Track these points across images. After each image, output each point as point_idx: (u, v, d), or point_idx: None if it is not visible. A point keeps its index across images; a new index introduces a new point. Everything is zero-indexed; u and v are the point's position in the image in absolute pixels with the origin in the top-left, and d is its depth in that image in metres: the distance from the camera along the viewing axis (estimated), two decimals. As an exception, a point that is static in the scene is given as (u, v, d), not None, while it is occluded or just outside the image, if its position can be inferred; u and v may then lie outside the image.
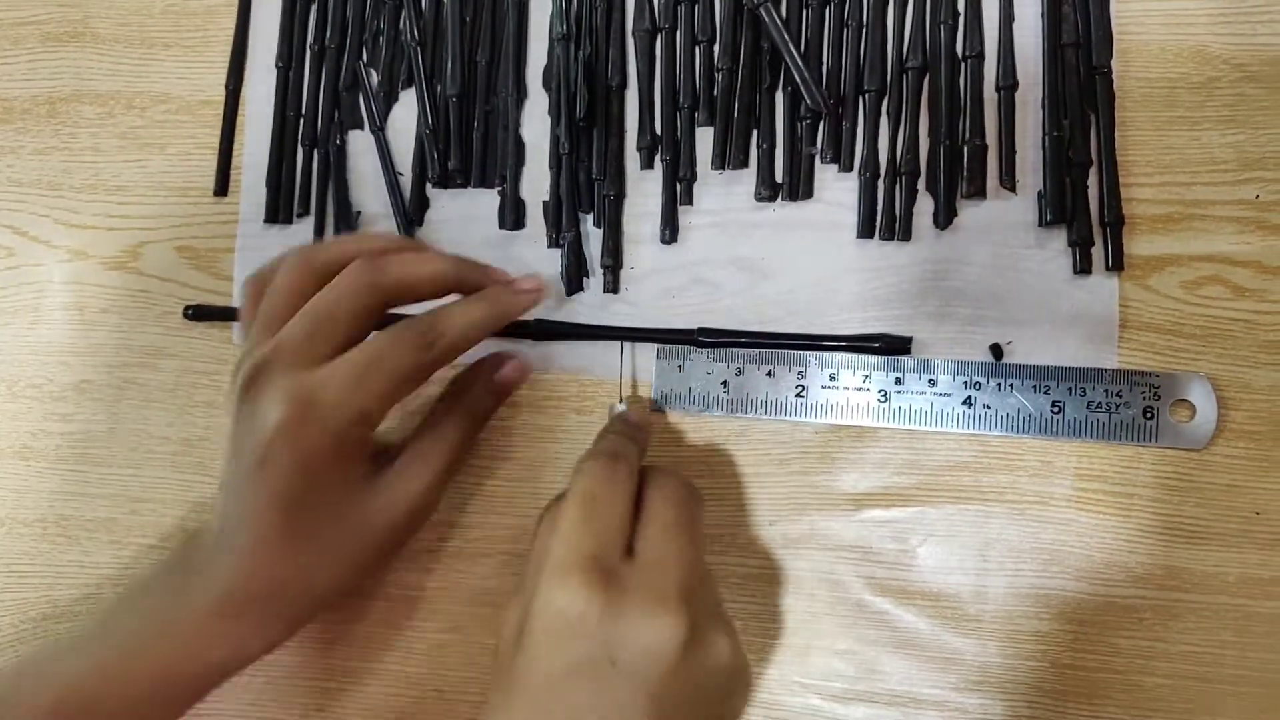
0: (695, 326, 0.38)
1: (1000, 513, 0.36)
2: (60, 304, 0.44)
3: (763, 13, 0.37)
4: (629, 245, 0.39)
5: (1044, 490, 0.36)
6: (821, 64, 0.38)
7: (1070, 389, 0.35)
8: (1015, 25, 0.37)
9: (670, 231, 0.39)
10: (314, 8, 0.43)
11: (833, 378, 0.37)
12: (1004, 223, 0.37)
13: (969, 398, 0.36)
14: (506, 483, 0.39)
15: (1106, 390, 0.35)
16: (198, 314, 0.42)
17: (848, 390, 0.37)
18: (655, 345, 0.38)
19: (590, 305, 0.39)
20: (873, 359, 0.37)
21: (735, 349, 0.38)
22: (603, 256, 0.39)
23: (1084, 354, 0.36)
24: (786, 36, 0.37)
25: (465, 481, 0.39)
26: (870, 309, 0.37)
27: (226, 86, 0.44)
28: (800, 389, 0.37)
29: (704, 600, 0.30)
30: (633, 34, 0.40)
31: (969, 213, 0.37)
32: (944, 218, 0.37)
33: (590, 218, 0.40)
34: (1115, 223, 0.36)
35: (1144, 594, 0.35)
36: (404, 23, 0.42)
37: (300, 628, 0.34)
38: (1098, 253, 0.36)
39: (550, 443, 0.39)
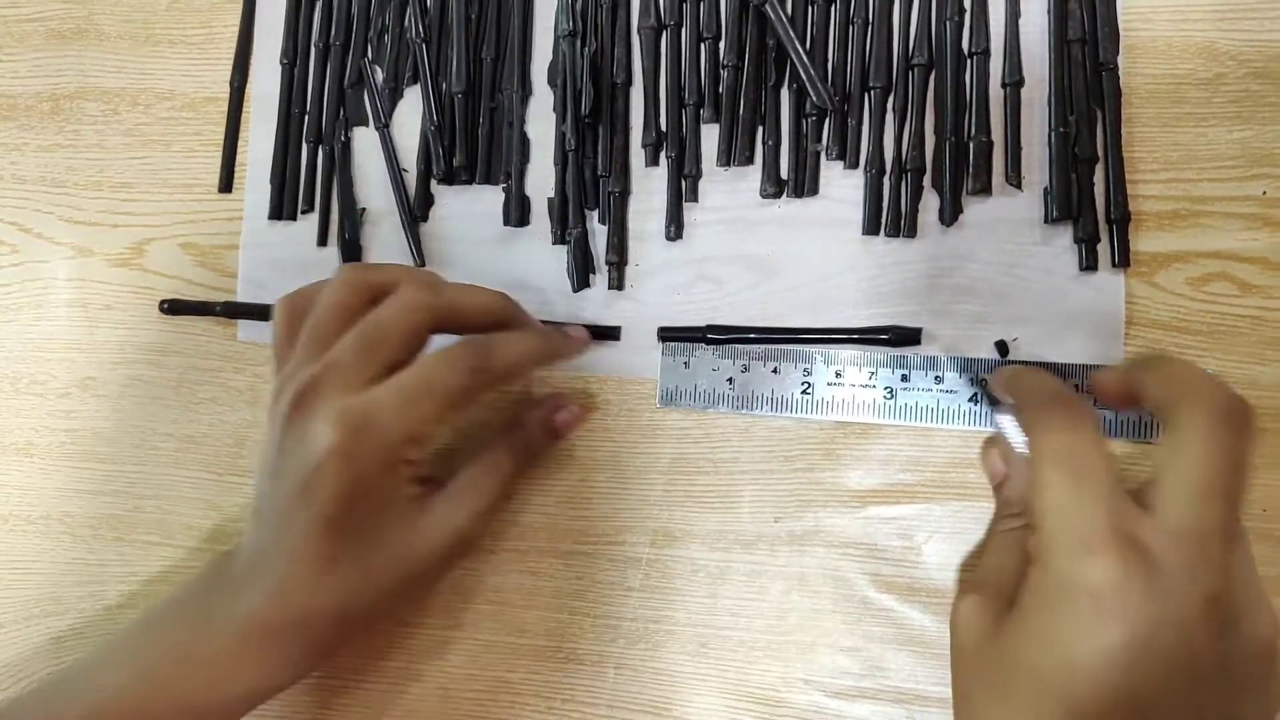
0: (703, 325, 0.38)
1: (1006, 510, 0.36)
2: (64, 301, 0.44)
3: (768, 9, 0.37)
4: (634, 242, 0.39)
5: (1050, 487, 0.35)
6: (827, 60, 0.38)
7: (1075, 387, 0.35)
8: (1021, 21, 0.37)
9: (675, 228, 0.39)
10: (319, 4, 0.43)
11: (839, 374, 0.37)
12: (1009, 219, 0.37)
13: (975, 394, 0.36)
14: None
15: None
16: (173, 308, 0.42)
17: (854, 387, 0.37)
18: (660, 343, 0.38)
19: (596, 302, 0.39)
20: (879, 355, 0.37)
21: (741, 345, 0.38)
22: (608, 253, 0.39)
23: (1090, 351, 0.36)
24: (792, 33, 0.37)
25: (470, 478, 0.39)
26: (875, 306, 0.37)
27: (231, 83, 0.44)
28: (806, 385, 0.37)
29: (1243, 571, 0.26)
30: (638, 30, 0.40)
31: (974, 209, 0.37)
32: (949, 214, 0.37)
33: (595, 215, 0.40)
34: (1121, 219, 0.36)
35: (1150, 591, 0.35)
36: (409, 19, 0.41)
37: (330, 658, 0.33)
38: (1104, 249, 0.36)
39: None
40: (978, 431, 0.36)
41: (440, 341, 0.33)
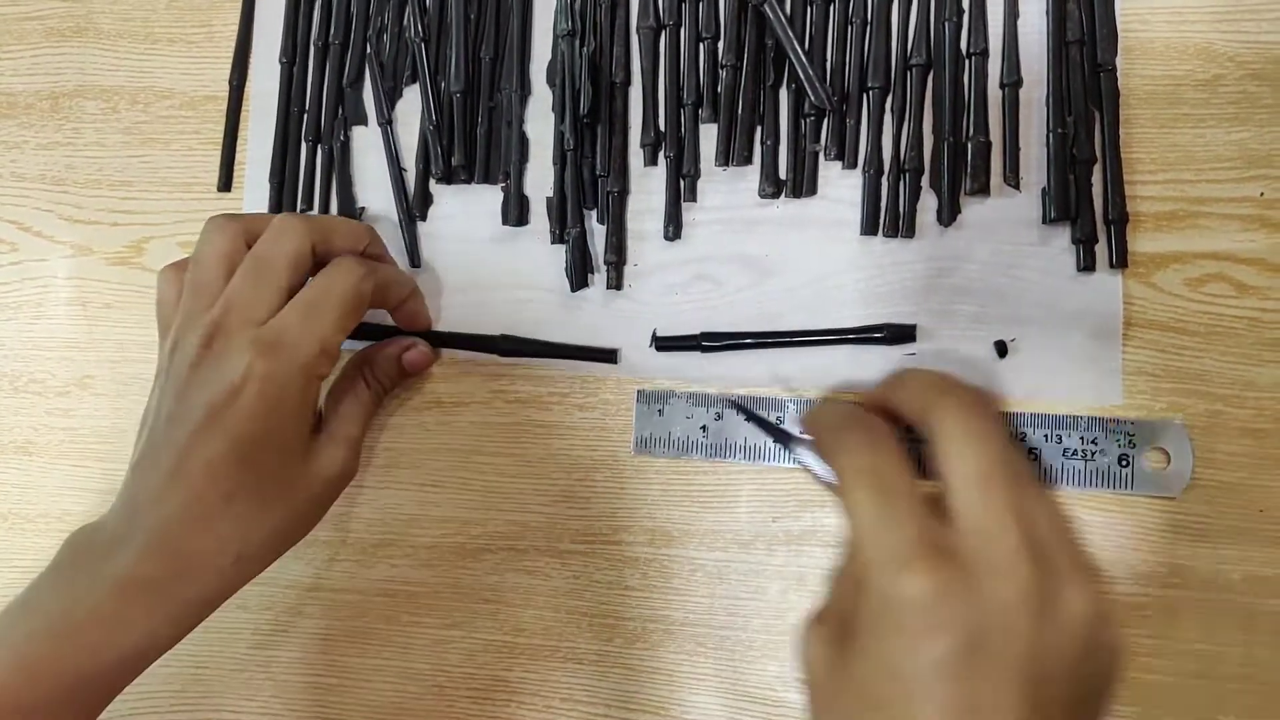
0: (698, 333, 0.38)
1: (1003, 510, 0.36)
2: (63, 299, 0.44)
3: (767, 9, 0.37)
4: (632, 242, 0.39)
5: (1047, 487, 0.35)
6: (825, 61, 0.38)
7: (1046, 435, 0.35)
8: (1020, 22, 0.37)
9: (674, 228, 0.39)
10: (318, 3, 0.43)
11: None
12: (1008, 220, 0.37)
13: None
14: (508, 479, 0.39)
15: (1082, 437, 0.35)
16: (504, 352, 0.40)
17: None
18: (641, 388, 0.38)
19: (594, 302, 0.39)
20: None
21: (712, 398, 0.37)
22: (606, 253, 0.39)
23: (1088, 352, 0.36)
24: (790, 33, 0.37)
25: (467, 478, 0.39)
26: (873, 306, 0.37)
27: (230, 82, 0.44)
28: (779, 418, 0.37)
29: (1048, 545, 0.26)
30: (637, 30, 0.40)
31: (973, 210, 0.37)
32: (948, 215, 0.37)
33: (594, 214, 0.40)
34: (1119, 220, 0.36)
35: (1147, 591, 0.35)
36: (408, 19, 0.42)
37: (216, 608, 0.33)
38: (1101, 250, 0.36)
39: (551, 439, 0.39)
40: None
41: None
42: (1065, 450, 0.35)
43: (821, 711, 0.27)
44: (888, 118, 0.38)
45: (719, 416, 0.37)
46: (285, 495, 0.33)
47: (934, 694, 0.24)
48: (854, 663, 0.26)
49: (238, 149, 0.43)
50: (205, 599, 0.32)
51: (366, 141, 0.42)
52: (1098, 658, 0.26)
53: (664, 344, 0.38)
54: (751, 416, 0.35)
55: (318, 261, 0.35)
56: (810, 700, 0.27)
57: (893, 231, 0.37)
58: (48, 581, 0.32)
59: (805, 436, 0.32)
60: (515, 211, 0.40)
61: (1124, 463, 0.35)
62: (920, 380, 0.29)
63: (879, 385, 0.31)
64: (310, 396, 0.33)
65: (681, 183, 0.39)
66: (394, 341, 0.39)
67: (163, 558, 0.31)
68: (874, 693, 0.25)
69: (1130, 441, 0.35)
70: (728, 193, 0.39)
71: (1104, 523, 0.35)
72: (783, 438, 0.34)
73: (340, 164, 0.42)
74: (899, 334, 0.37)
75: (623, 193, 0.39)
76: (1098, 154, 0.36)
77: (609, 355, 0.39)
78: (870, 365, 0.37)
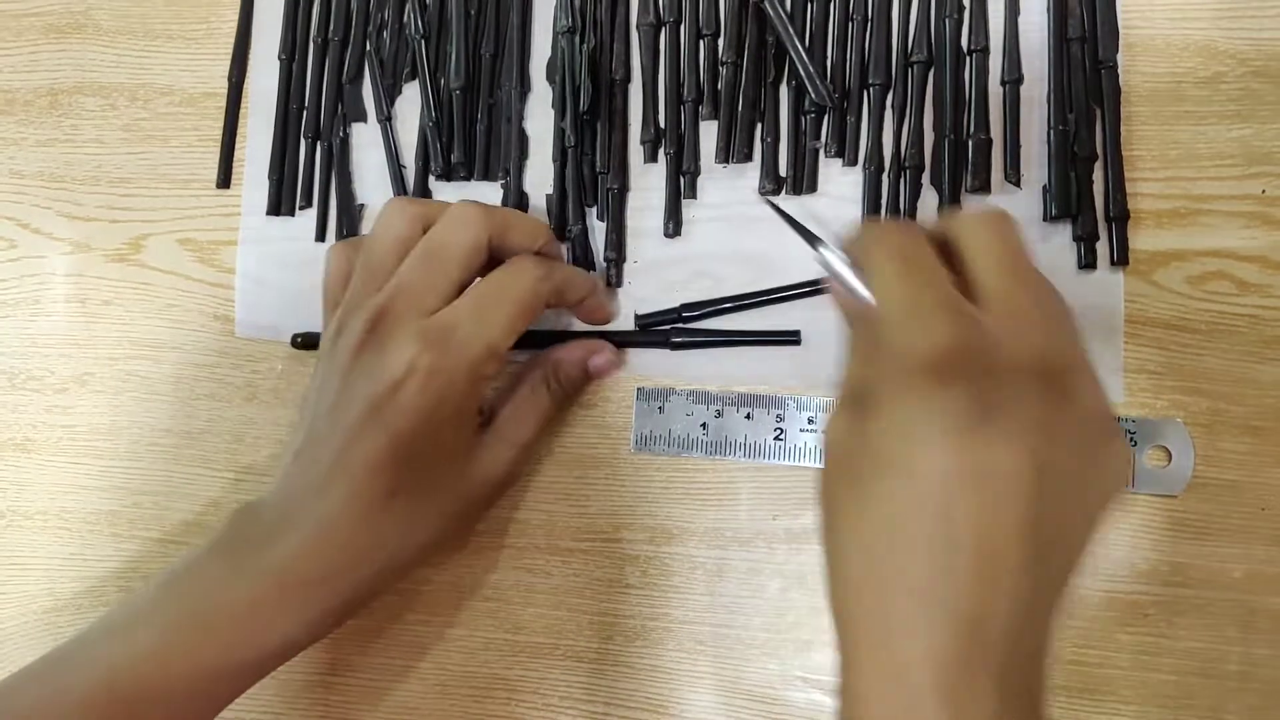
0: (689, 320, 0.38)
1: (1004, 508, 0.36)
2: (62, 296, 0.44)
3: (767, 6, 0.37)
4: (632, 239, 0.39)
5: (1048, 485, 0.35)
6: (826, 57, 0.38)
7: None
8: (1021, 19, 0.37)
9: (674, 225, 0.39)
10: (317, 1, 0.43)
11: (811, 420, 0.37)
12: (1009, 217, 0.37)
13: None
14: (509, 476, 0.39)
15: None
16: (305, 342, 0.40)
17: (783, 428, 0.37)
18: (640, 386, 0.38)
19: (593, 299, 0.39)
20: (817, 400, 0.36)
21: (712, 396, 0.37)
22: (606, 250, 0.39)
23: (1089, 350, 0.35)
24: (791, 30, 0.37)
25: (468, 475, 0.39)
26: (874, 303, 0.37)
27: (229, 79, 0.43)
28: (779, 431, 0.37)
29: (1068, 341, 0.26)
30: (637, 27, 0.40)
31: (973, 207, 0.37)
32: (948, 212, 0.37)
33: (594, 211, 0.40)
34: (1120, 217, 0.36)
35: (1148, 590, 0.35)
36: (408, 15, 0.41)
37: (374, 600, 0.32)
38: (1103, 248, 0.36)
39: (551, 437, 0.39)
40: None
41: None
42: None
43: (833, 482, 0.26)
44: (888, 115, 0.38)
45: (719, 414, 0.37)
46: (447, 495, 0.32)
47: (939, 454, 0.24)
48: (869, 426, 0.25)
49: (237, 146, 0.43)
50: (352, 600, 0.32)
51: (366, 138, 0.42)
52: (1101, 461, 0.25)
53: (645, 321, 0.38)
54: (782, 214, 0.32)
55: (493, 256, 0.33)
56: (828, 473, 0.27)
57: (893, 229, 0.37)
58: (206, 560, 0.31)
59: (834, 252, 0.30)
60: (515, 208, 0.40)
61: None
62: (950, 215, 0.29)
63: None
64: (474, 396, 0.32)
65: (681, 180, 0.39)
66: (580, 345, 0.37)
67: (324, 553, 0.30)
68: (887, 452, 0.24)
69: (1132, 440, 0.35)
70: (728, 190, 0.39)
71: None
72: (810, 239, 0.31)
73: (340, 161, 0.42)
74: None
75: (623, 190, 0.39)
76: (1099, 151, 0.36)
77: (792, 337, 0.38)
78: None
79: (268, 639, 0.30)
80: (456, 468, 0.32)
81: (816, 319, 0.37)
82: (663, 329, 0.38)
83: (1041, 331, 0.25)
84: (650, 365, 0.38)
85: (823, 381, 0.37)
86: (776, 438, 0.37)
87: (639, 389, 0.38)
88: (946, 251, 0.27)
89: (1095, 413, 0.25)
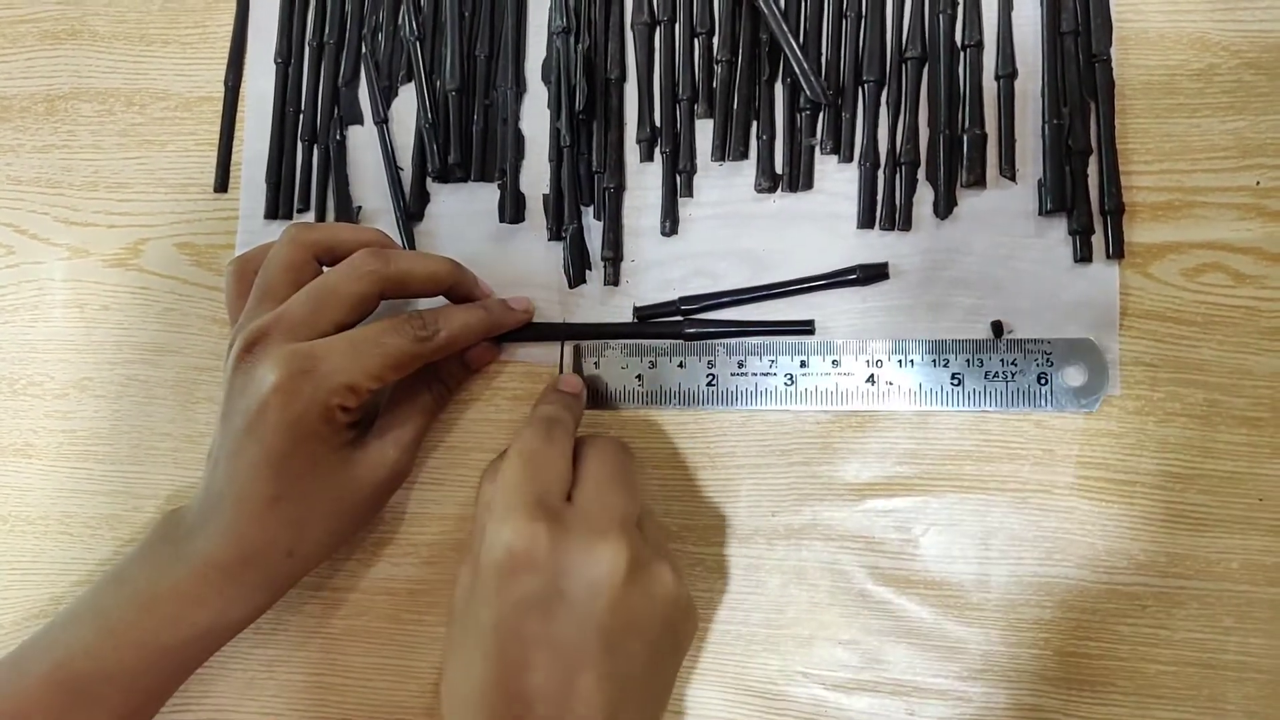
0: (688, 314, 0.38)
1: (1002, 501, 0.36)
2: (61, 301, 0.44)
3: (761, 4, 0.37)
4: (629, 238, 0.39)
5: (1046, 478, 0.36)
6: (820, 55, 0.38)
7: (968, 360, 0.36)
8: (1014, 14, 0.37)
9: (671, 224, 0.39)
10: (312, 3, 0.43)
11: (741, 365, 0.38)
12: (1004, 212, 0.37)
13: (871, 375, 0.37)
14: (509, 476, 0.39)
15: (1002, 360, 0.36)
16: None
17: (755, 376, 0.37)
18: (580, 342, 0.39)
19: (591, 298, 0.39)
20: (779, 344, 0.37)
21: (658, 338, 0.38)
22: (603, 249, 0.39)
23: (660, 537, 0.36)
24: (785, 27, 0.37)
25: (468, 475, 0.39)
26: (870, 299, 0.37)
27: (226, 83, 0.44)
28: (711, 378, 0.38)
29: (646, 535, 0.31)
30: (632, 26, 0.40)
31: (969, 202, 0.37)
32: (944, 207, 0.37)
33: (591, 210, 0.40)
34: (1115, 211, 0.36)
35: (1146, 581, 0.35)
36: (403, 17, 0.42)
37: (284, 591, 0.35)
38: (1098, 241, 0.36)
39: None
40: (917, 411, 0.37)
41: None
42: (987, 373, 0.36)
43: (451, 638, 0.31)
44: (883, 111, 0.38)
45: (653, 364, 0.38)
46: (329, 497, 0.34)
47: (516, 627, 0.29)
48: (473, 594, 0.30)
49: (234, 150, 0.43)
50: (269, 585, 0.35)
51: (362, 141, 0.42)
52: (676, 628, 0.31)
53: (644, 315, 0.38)
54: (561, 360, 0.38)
55: (393, 296, 0.36)
56: (449, 626, 0.32)
57: (889, 224, 0.37)
58: (138, 557, 0.35)
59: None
60: (512, 209, 0.40)
61: (1043, 381, 0.35)
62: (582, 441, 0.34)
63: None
64: (334, 422, 0.33)
65: (678, 178, 0.39)
66: None
67: (231, 545, 0.33)
68: (475, 616, 0.30)
69: (1049, 361, 0.35)
70: (724, 188, 0.39)
71: (1103, 512, 0.35)
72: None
73: (337, 163, 0.42)
74: (872, 273, 0.37)
75: (619, 189, 0.39)
76: (1093, 145, 0.36)
77: (806, 326, 0.38)
78: (849, 310, 0.37)
79: (199, 617, 0.33)
80: (335, 475, 0.34)
81: (817, 315, 0.38)
82: (675, 320, 0.38)
83: (623, 534, 0.30)
84: (648, 363, 0.39)
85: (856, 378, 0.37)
86: (709, 384, 0.38)
87: (575, 346, 0.39)
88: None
89: (670, 595, 0.31)
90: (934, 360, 0.36)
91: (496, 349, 0.39)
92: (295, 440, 0.32)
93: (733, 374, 0.38)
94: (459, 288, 0.37)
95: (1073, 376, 0.35)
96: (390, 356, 0.34)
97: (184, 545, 0.33)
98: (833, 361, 0.37)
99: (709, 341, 0.38)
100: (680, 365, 0.38)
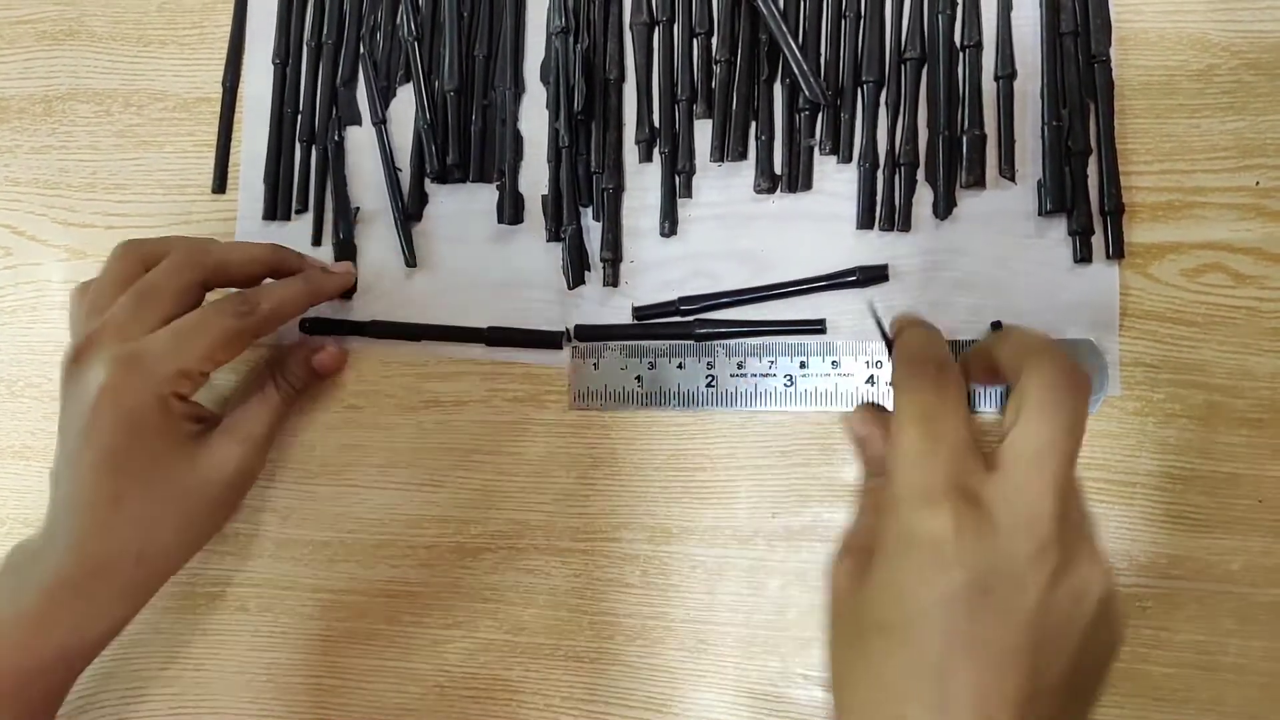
0: (688, 314, 0.38)
1: (1003, 503, 0.36)
2: (59, 303, 0.44)
3: (760, 4, 0.37)
4: (629, 239, 0.39)
5: (1046, 480, 0.35)
6: (819, 55, 0.38)
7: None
8: (1013, 14, 0.37)
9: (670, 224, 0.39)
10: (310, 4, 0.43)
11: (740, 366, 0.38)
12: (1004, 212, 0.37)
13: (871, 376, 0.37)
14: (504, 477, 0.39)
15: None
16: (313, 328, 0.41)
17: (755, 377, 0.37)
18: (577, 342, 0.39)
19: (590, 300, 0.39)
20: (779, 344, 0.37)
21: (655, 340, 0.38)
22: (602, 250, 0.39)
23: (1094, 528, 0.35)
24: (784, 28, 0.37)
25: (464, 477, 0.39)
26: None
27: (223, 84, 0.43)
28: (710, 379, 0.38)
29: (1075, 522, 0.27)
30: (630, 27, 0.40)
31: (968, 203, 0.37)
32: (944, 208, 0.37)
33: (589, 211, 0.40)
34: (1115, 211, 0.36)
35: (1146, 582, 0.35)
36: (401, 18, 0.41)
37: (143, 602, 0.35)
38: (1098, 241, 0.36)
39: (549, 437, 0.39)
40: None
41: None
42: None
43: (836, 631, 0.28)
44: (882, 111, 0.38)
45: (653, 365, 0.38)
46: (176, 496, 0.34)
47: (936, 625, 0.25)
48: (870, 586, 0.27)
49: (232, 150, 0.43)
50: (123, 596, 0.34)
51: (359, 142, 0.42)
52: (1100, 639, 0.26)
53: (642, 313, 0.38)
54: (878, 321, 0.33)
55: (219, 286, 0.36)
56: (829, 621, 0.28)
57: (888, 225, 0.37)
58: None
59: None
60: (510, 210, 0.40)
61: None
62: (1024, 338, 0.29)
63: (990, 337, 0.31)
64: (170, 412, 0.34)
65: (677, 179, 0.39)
66: (303, 343, 0.40)
67: (77, 559, 0.33)
68: (883, 616, 0.26)
69: None
70: (723, 188, 0.39)
71: (1103, 513, 0.35)
72: (881, 335, 0.33)
73: (336, 164, 0.42)
74: (871, 275, 0.37)
75: (618, 189, 0.39)
76: (1093, 145, 0.36)
77: (817, 325, 0.38)
78: (849, 311, 0.37)
79: (53, 639, 0.33)
80: (179, 471, 0.34)
81: (816, 316, 0.38)
82: (686, 320, 0.38)
83: (1051, 524, 0.25)
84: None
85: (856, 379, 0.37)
86: (709, 385, 0.38)
87: (574, 347, 0.39)
88: (992, 368, 0.29)
89: (1097, 596, 0.26)
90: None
91: (343, 353, 0.40)
92: (132, 436, 0.33)
93: (732, 375, 0.38)
94: (282, 267, 0.38)
95: None
96: (215, 336, 0.34)
97: (28, 570, 0.33)
98: (832, 362, 0.37)
99: (710, 343, 0.38)
100: (680, 366, 0.38)
